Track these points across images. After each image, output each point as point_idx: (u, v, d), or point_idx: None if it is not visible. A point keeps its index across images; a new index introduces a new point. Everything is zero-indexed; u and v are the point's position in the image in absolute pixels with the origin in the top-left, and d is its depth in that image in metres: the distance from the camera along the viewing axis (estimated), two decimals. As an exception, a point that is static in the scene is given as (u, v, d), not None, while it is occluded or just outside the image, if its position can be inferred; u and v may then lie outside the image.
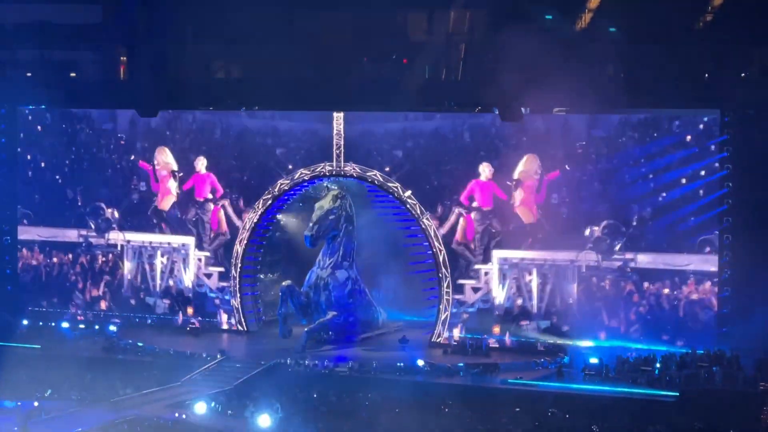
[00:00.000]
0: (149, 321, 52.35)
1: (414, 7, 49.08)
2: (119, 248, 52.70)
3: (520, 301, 47.17)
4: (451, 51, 48.72)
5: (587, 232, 46.21)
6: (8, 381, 42.47)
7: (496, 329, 47.18)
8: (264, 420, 38.49)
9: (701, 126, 44.68)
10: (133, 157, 52.11)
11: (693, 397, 39.59)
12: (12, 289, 54.34)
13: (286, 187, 49.83)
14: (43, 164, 53.48)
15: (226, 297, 50.89)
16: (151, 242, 52.27)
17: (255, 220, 50.30)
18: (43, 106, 53.52)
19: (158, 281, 52.18)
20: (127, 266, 52.55)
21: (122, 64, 52.90)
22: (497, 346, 46.98)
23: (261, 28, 48.61)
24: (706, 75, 44.74)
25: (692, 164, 44.69)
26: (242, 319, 50.74)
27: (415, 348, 47.00)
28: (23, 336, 49.86)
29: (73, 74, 52.34)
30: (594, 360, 43.33)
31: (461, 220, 47.85)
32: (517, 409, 39.34)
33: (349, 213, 49.25)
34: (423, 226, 47.99)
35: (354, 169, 48.80)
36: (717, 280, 44.44)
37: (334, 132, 48.98)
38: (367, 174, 48.64)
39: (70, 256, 53.51)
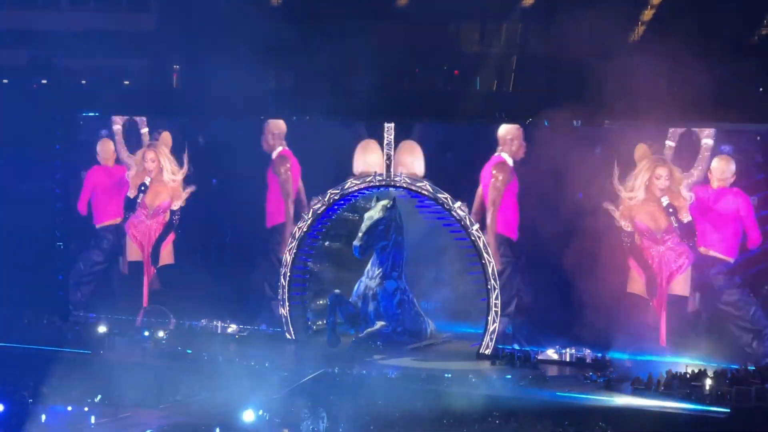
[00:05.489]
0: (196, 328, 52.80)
1: (466, 18, 49.07)
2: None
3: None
4: (503, 62, 48.69)
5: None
6: (59, 386, 42.81)
7: None
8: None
9: (758, 139, 44.33)
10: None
11: (744, 414, 39.19)
12: (63, 294, 54.94)
13: (336, 197, 49.94)
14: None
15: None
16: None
17: (304, 230, 50.43)
18: (96, 114, 54.36)
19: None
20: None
21: (175, 73, 53.33)
22: (546, 358, 46.90)
23: (313, 38, 48.86)
24: (761, 89, 44.40)
25: (750, 178, 44.40)
26: (290, 328, 50.83)
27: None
28: (73, 341, 50.27)
29: (126, 82, 52.79)
30: (644, 374, 43.05)
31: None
32: (566, 423, 39.11)
33: (399, 223, 49.23)
34: (473, 238, 47.84)
35: (404, 179, 48.81)
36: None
37: (385, 142, 49.05)
38: (417, 184, 48.62)
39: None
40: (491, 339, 47.60)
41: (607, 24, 44.18)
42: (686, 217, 45.04)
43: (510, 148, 47.78)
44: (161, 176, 53.58)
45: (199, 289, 51.52)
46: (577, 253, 45.71)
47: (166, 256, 54.07)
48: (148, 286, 54.28)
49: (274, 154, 51.82)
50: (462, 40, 50.07)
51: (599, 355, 45.95)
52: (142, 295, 54.19)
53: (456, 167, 49.27)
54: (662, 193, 45.47)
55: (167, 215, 53.73)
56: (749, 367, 42.97)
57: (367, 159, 49.99)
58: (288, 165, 51.78)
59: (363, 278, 49.73)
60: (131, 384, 43.61)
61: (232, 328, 52.24)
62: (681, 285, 45.60)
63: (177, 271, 53.75)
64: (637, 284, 46.38)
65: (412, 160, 49.14)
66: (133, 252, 54.48)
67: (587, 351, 46.35)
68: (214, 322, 52.49)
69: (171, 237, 53.91)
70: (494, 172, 48.36)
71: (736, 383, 41.44)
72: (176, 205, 53.53)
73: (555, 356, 47.08)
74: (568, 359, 46.86)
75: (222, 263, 52.94)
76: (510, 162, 47.96)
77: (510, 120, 47.62)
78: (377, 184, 49.29)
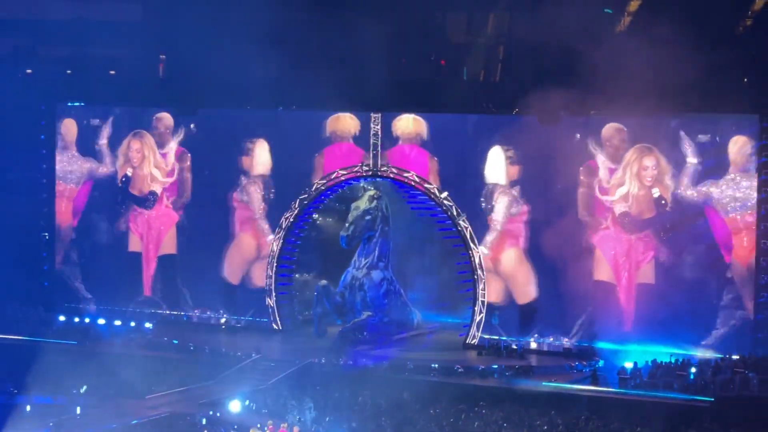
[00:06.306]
0: (185, 318, 52.77)
1: (453, 8, 49.06)
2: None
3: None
4: (490, 52, 48.70)
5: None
6: (44, 377, 42.70)
7: None
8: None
9: (739, 131, 44.40)
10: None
11: (728, 403, 39.39)
12: (49, 284, 54.83)
13: (322, 187, 49.93)
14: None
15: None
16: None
17: (291, 220, 50.41)
18: (81, 103, 54.21)
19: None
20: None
21: (161, 62, 53.18)
22: (532, 348, 47.02)
23: (299, 28, 48.76)
24: (745, 80, 44.46)
25: (730, 170, 44.47)
26: (277, 318, 50.81)
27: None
28: (59, 332, 50.17)
29: (112, 72, 52.64)
30: (629, 364, 43.19)
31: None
32: (552, 412, 39.22)
33: (385, 214, 49.24)
34: (459, 228, 47.91)
35: (391, 169, 48.82)
36: (754, 285, 44.15)
37: (371, 132, 49.06)
38: (404, 174, 48.64)
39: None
40: (477, 329, 47.74)
41: (594, 13, 44.18)
42: (669, 210, 45.29)
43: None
44: (144, 167, 53.40)
45: (195, 279, 51.92)
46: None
47: (168, 246, 53.83)
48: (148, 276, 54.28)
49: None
50: (449, 30, 50.06)
51: (585, 344, 46.10)
52: (141, 285, 54.18)
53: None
54: (651, 183, 45.53)
55: (162, 205, 53.55)
56: (732, 356, 43.15)
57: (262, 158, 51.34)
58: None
59: (350, 268, 49.71)
60: (118, 375, 43.61)
61: (223, 319, 52.26)
62: (647, 273, 45.83)
63: (177, 261, 53.72)
64: (604, 271, 46.60)
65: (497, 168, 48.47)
66: (134, 243, 54.32)
67: (565, 339, 46.59)
68: (207, 313, 52.57)
69: (171, 227, 53.65)
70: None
71: (720, 373, 41.64)
72: (167, 198, 53.41)
73: (534, 345, 47.25)
74: (547, 349, 47.08)
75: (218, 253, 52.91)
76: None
77: (497, 111, 47.65)
78: (364, 174, 49.33)
